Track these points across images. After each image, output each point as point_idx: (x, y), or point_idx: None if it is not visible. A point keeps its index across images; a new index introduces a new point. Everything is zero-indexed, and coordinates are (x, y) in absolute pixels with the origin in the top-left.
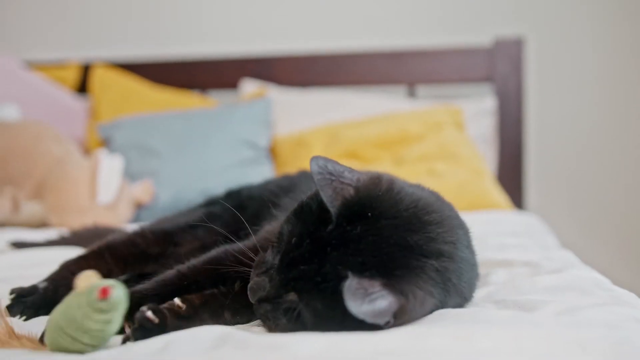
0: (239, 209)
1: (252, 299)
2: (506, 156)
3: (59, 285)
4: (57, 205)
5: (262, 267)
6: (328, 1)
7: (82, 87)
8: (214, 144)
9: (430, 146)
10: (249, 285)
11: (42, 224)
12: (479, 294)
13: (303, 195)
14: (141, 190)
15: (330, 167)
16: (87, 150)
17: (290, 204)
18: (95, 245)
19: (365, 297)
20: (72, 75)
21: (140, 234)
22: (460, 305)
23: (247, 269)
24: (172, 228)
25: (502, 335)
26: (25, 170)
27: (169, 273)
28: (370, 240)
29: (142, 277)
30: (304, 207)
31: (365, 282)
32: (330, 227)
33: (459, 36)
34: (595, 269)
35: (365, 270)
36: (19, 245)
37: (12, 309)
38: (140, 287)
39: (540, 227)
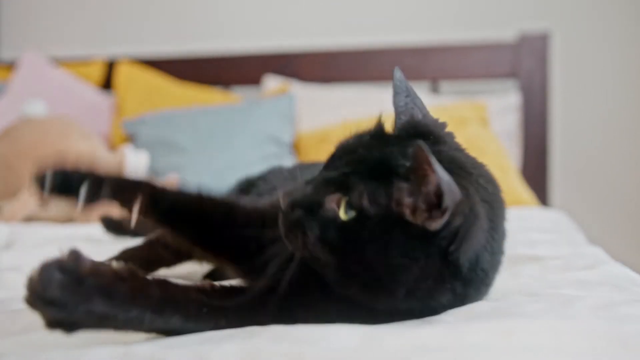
0: (241, 193)
1: (283, 204)
2: (531, 152)
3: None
4: None
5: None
6: None
7: (107, 84)
8: (238, 139)
9: None
10: (283, 192)
11: (69, 219)
12: (509, 285)
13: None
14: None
15: (409, 85)
16: (112, 146)
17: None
18: (147, 239)
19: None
20: (97, 72)
21: None
22: (495, 249)
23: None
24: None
25: (541, 331)
26: None
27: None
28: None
29: None
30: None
31: None
32: (392, 134)
33: (483, 31)
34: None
35: None
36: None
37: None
38: None
39: (567, 223)
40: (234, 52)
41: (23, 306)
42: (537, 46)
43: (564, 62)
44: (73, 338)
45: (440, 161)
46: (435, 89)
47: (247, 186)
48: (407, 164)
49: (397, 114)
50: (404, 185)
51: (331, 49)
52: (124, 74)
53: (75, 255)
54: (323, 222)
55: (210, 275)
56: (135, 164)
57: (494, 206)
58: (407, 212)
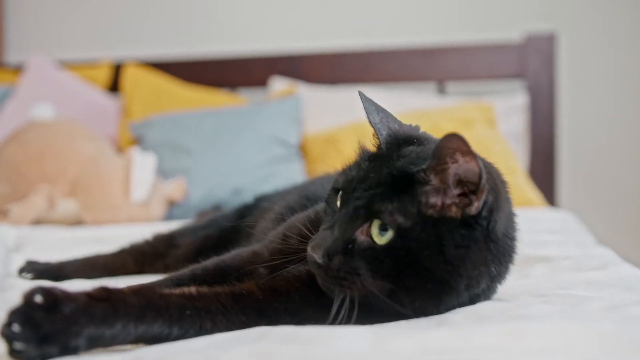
0: (240, 217)
1: (318, 257)
2: (538, 153)
3: (66, 264)
4: (91, 203)
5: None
6: None
7: (114, 86)
8: (244, 141)
9: None
10: (310, 245)
11: (76, 222)
12: (518, 286)
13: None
14: (174, 188)
15: (377, 104)
16: (119, 149)
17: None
18: (120, 247)
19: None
20: (104, 75)
21: (153, 237)
22: (510, 227)
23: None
24: (175, 231)
25: (551, 332)
26: (60, 169)
27: (184, 271)
28: (422, 151)
29: None
30: (347, 164)
31: None
32: (381, 150)
33: (489, 32)
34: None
35: None
36: None
37: (22, 269)
38: (154, 282)
39: (575, 224)
40: (240, 54)
41: None
42: (544, 47)
43: (570, 62)
44: None
45: None
46: (441, 90)
47: (248, 209)
48: (423, 166)
49: (377, 130)
50: (427, 188)
51: (337, 51)
52: (131, 77)
53: (42, 290)
54: (365, 256)
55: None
56: (142, 166)
57: (499, 176)
58: (439, 209)
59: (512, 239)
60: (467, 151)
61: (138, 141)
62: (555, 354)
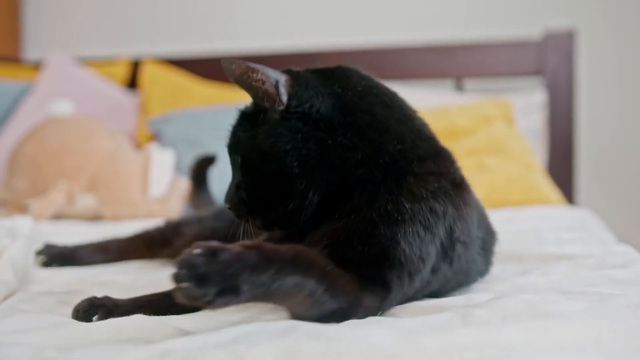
0: None
1: (225, 204)
2: (557, 150)
3: (80, 248)
4: (110, 198)
5: None
6: None
7: (132, 83)
8: None
9: (479, 140)
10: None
11: (96, 217)
12: (541, 283)
13: None
14: None
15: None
16: (137, 145)
17: None
18: (133, 233)
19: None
20: (122, 71)
21: (164, 223)
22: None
23: None
24: (182, 220)
25: (580, 329)
26: (79, 165)
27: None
28: None
29: None
30: None
31: None
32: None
33: (507, 29)
34: None
35: None
36: None
37: (40, 252)
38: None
39: (595, 222)
40: (256, 51)
41: (57, 302)
42: (563, 43)
43: (590, 59)
44: (111, 336)
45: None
46: (459, 87)
47: None
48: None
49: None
50: (263, 109)
51: (354, 48)
52: (149, 73)
53: (200, 245)
54: (242, 188)
55: None
56: (160, 162)
57: (337, 77)
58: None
59: (357, 113)
60: (242, 65)
61: (156, 137)
62: (584, 351)
